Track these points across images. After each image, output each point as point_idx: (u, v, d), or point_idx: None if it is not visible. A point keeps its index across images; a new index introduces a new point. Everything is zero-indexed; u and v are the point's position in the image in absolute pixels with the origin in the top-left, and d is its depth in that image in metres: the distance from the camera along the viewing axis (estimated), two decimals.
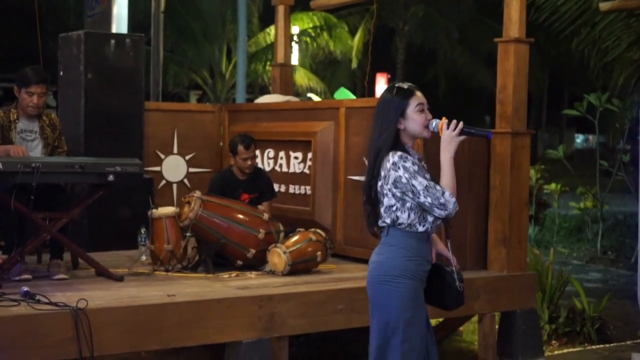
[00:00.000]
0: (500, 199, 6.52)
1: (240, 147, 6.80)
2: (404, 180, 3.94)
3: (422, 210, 4.00)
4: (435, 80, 30.46)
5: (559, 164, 12.83)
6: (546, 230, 13.21)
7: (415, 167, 3.97)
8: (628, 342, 7.23)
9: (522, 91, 6.55)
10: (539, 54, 26.37)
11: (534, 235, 12.18)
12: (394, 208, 4.01)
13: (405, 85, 4.12)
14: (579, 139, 54.16)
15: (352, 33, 25.99)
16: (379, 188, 4.03)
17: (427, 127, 4.08)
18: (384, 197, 4.03)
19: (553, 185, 13.00)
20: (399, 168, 3.95)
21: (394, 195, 4.00)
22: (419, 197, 3.94)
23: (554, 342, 7.18)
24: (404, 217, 4.00)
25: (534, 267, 7.35)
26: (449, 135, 4.03)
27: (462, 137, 4.05)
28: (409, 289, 4.01)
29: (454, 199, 3.96)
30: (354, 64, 25.64)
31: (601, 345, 7.14)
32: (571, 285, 7.93)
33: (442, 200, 3.94)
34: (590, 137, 50.99)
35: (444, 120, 4.08)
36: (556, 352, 6.93)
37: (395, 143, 4.04)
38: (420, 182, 3.93)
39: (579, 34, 10.67)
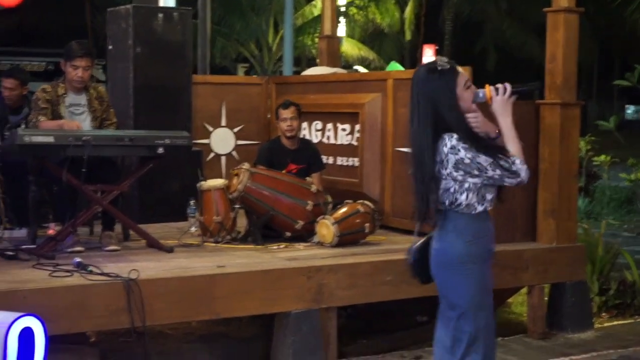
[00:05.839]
0: (550, 170, 6.47)
1: (280, 109, 6.89)
2: (466, 160, 3.74)
3: (479, 188, 3.81)
4: (484, 52, 30.15)
5: (608, 135, 12.67)
6: (596, 202, 13.06)
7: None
8: None
9: (571, 61, 6.48)
10: (589, 24, 25.98)
11: (583, 207, 12.05)
12: (452, 190, 3.82)
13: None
14: (630, 110, 53.22)
15: (400, 4, 25.77)
16: (435, 173, 3.82)
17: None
18: (441, 181, 3.83)
19: (603, 157, 12.84)
20: (459, 150, 3.75)
21: (453, 178, 3.80)
22: (486, 172, 3.75)
23: (603, 314, 7.13)
24: (462, 199, 3.82)
25: (584, 239, 7.30)
26: (502, 100, 3.85)
27: (514, 98, 3.85)
28: (475, 274, 3.84)
29: (525, 166, 3.78)
30: (408, 36, 25.40)
31: None
32: (622, 258, 7.85)
33: (513, 169, 3.76)
34: None
35: (490, 88, 3.87)
36: (606, 324, 6.88)
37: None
38: (485, 159, 3.73)
39: (631, 3, 10.50)
